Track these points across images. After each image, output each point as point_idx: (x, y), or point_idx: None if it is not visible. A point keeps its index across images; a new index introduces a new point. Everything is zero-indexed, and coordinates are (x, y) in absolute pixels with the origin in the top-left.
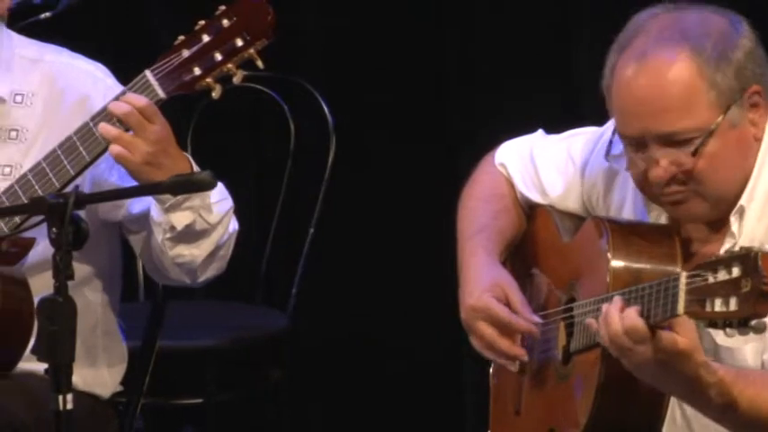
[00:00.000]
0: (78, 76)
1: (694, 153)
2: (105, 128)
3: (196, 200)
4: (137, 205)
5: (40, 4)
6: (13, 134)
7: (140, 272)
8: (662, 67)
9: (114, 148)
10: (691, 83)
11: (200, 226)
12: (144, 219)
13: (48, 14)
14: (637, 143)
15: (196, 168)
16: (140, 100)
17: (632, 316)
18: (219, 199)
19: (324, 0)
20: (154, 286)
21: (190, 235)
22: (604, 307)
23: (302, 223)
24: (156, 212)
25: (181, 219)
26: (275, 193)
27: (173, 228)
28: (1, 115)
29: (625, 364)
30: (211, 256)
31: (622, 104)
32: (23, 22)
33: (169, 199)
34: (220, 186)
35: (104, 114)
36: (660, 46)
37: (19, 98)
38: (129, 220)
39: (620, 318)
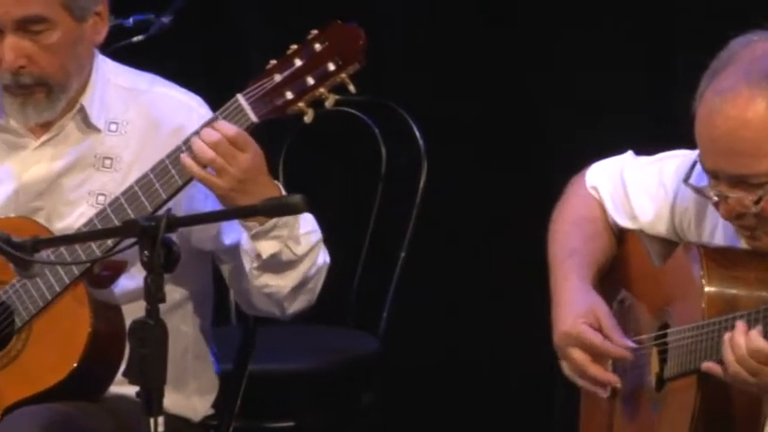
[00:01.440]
0: (173, 107)
1: (757, 201)
2: (199, 146)
3: (284, 230)
4: (229, 236)
5: (133, 27)
6: (108, 162)
7: (232, 296)
8: (740, 108)
9: (199, 172)
10: (766, 127)
11: (287, 257)
12: (235, 250)
13: (140, 38)
14: (712, 175)
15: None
16: (230, 129)
17: (756, 337)
18: (308, 231)
19: (418, 25)
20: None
21: (276, 265)
22: (726, 335)
23: (393, 246)
24: (244, 240)
25: (267, 247)
26: (367, 216)
27: (259, 256)
28: (95, 143)
29: (753, 387)
30: (299, 288)
31: (701, 137)
32: (116, 45)
33: (256, 226)
34: (310, 218)
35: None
36: (742, 83)
37: (114, 127)
38: (221, 251)
39: (746, 341)
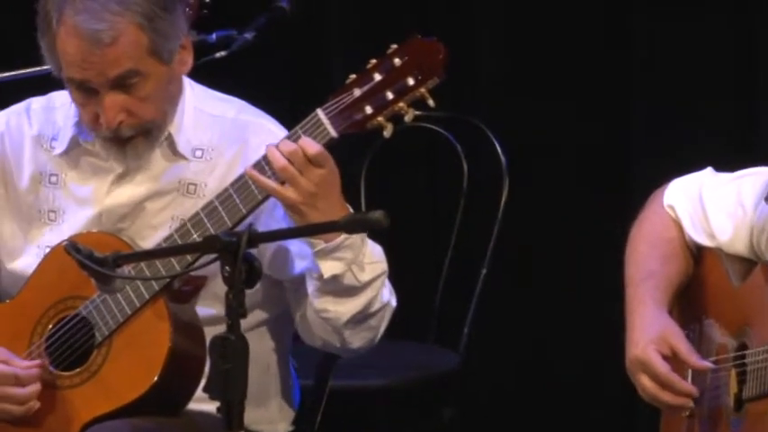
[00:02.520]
0: (259, 134)
1: None
2: (273, 154)
3: (348, 252)
4: (299, 264)
5: (216, 43)
6: (192, 188)
7: None
8: None
9: (268, 182)
10: None
11: (349, 281)
12: (300, 279)
13: (222, 54)
14: None
15: None
16: (313, 147)
17: None
18: (374, 260)
19: (500, 41)
20: None
21: (337, 289)
22: None
23: (475, 263)
24: (311, 260)
25: (329, 268)
26: (448, 232)
27: (321, 276)
28: (181, 170)
29: None
30: (359, 320)
31: None
32: (198, 61)
33: (321, 244)
34: (378, 250)
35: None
36: None
37: (199, 153)
38: (290, 281)
39: None
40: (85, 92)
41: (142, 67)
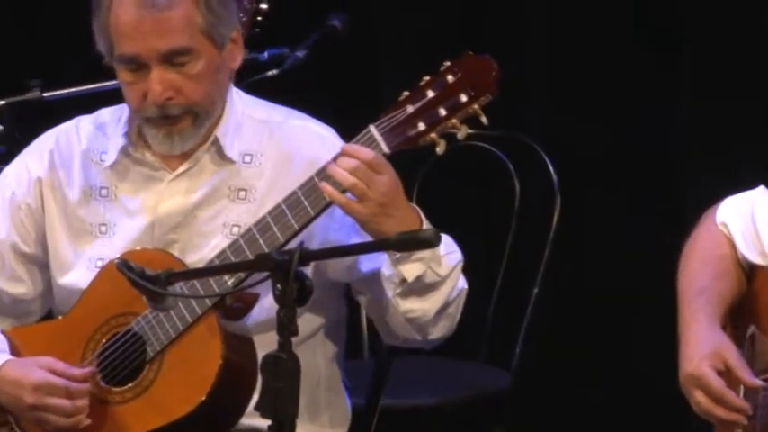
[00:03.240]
0: (307, 138)
1: None
2: (338, 172)
3: (426, 251)
4: (366, 264)
5: (268, 61)
6: (242, 194)
7: (365, 329)
8: None
9: (342, 199)
10: None
11: (431, 278)
12: (373, 278)
13: (274, 72)
14: None
15: (424, 220)
16: (367, 153)
17: None
18: (448, 251)
19: (554, 60)
20: (378, 343)
21: (420, 288)
22: None
23: (527, 282)
24: (386, 266)
25: (412, 270)
26: (500, 250)
27: (403, 280)
28: (230, 175)
29: None
30: (441, 311)
31: None
32: (250, 79)
33: (395, 252)
34: (448, 239)
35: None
36: None
37: (248, 158)
38: (359, 280)
39: None
40: (134, 70)
41: (194, 45)
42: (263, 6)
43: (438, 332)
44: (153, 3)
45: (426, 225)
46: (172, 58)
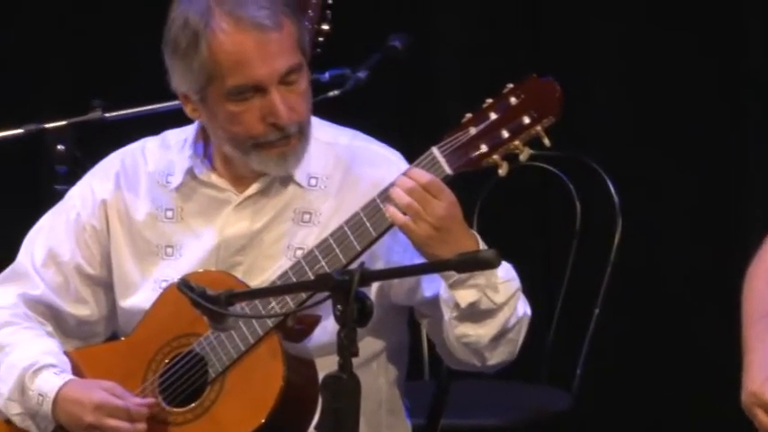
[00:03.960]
0: (372, 161)
1: None
2: (396, 192)
3: (481, 278)
4: (429, 288)
5: (329, 81)
6: (307, 217)
7: (425, 350)
8: None
9: (401, 218)
10: None
11: (486, 305)
12: (435, 302)
13: (336, 92)
14: None
15: (482, 246)
16: (424, 176)
17: None
18: (507, 279)
19: (614, 79)
20: (439, 365)
21: (475, 314)
22: None
23: (588, 303)
24: (443, 289)
25: (465, 296)
26: (561, 271)
27: (457, 305)
28: (296, 198)
29: None
30: (498, 338)
31: None
32: (313, 100)
33: (453, 275)
34: (508, 267)
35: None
36: None
37: (313, 181)
38: (422, 304)
39: None
40: (245, 99)
41: (300, 61)
42: (325, 27)
43: (497, 358)
44: (261, 25)
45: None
46: (287, 77)
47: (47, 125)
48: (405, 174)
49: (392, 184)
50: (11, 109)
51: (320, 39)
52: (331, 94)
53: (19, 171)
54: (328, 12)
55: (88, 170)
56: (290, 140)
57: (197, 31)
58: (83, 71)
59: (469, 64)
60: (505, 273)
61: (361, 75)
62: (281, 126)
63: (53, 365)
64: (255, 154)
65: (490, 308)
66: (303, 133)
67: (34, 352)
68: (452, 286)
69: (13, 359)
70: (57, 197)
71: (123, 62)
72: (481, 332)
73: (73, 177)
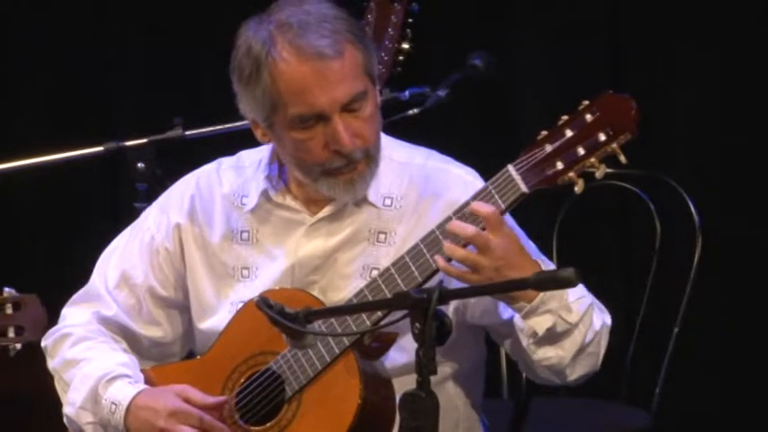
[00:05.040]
0: (448, 181)
1: None
2: (449, 248)
3: (553, 302)
4: (507, 310)
5: (409, 100)
6: (382, 237)
7: (504, 368)
8: None
9: (454, 271)
10: None
11: (562, 327)
12: (511, 323)
13: (415, 111)
14: None
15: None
16: (482, 209)
17: None
18: (578, 297)
19: (693, 96)
20: (517, 383)
21: (552, 337)
22: None
23: (667, 321)
24: (517, 318)
25: (541, 323)
26: (641, 290)
27: (534, 333)
28: (370, 218)
29: None
30: (578, 354)
31: None
32: (392, 118)
33: (525, 306)
34: (578, 285)
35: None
36: None
37: (388, 201)
38: (500, 325)
39: None
40: (308, 127)
41: (365, 87)
42: (405, 46)
43: (579, 372)
44: (321, 54)
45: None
46: (350, 105)
47: (127, 143)
48: (459, 214)
49: (468, 204)
50: (92, 127)
51: (400, 57)
52: (411, 112)
53: (99, 189)
54: (408, 31)
55: (167, 188)
56: (356, 166)
57: (259, 59)
58: (163, 89)
59: (545, 80)
60: (576, 291)
61: (442, 93)
62: (345, 153)
63: (127, 376)
64: (324, 180)
65: (566, 329)
66: (371, 157)
67: (109, 363)
68: (526, 316)
69: (88, 370)
70: (136, 214)
71: (204, 79)
72: (561, 353)
73: (152, 195)
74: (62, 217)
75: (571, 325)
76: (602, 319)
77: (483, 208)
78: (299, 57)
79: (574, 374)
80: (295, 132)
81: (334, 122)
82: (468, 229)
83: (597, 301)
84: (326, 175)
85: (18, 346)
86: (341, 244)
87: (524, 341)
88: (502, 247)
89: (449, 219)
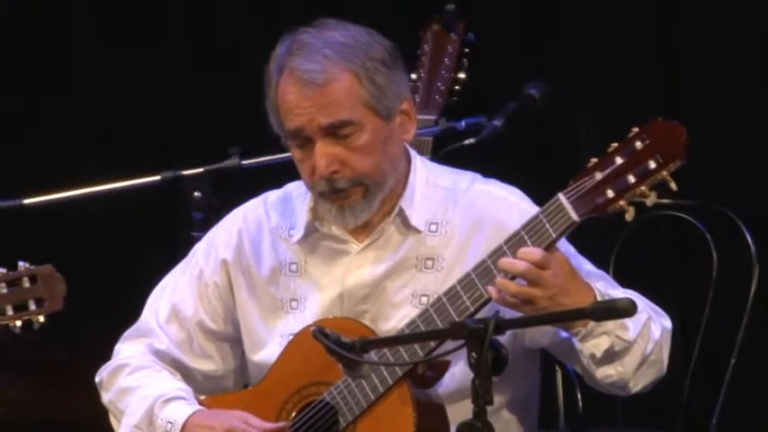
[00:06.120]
0: (493, 204)
1: None
2: (503, 283)
3: (609, 324)
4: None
5: (465, 130)
6: (429, 263)
7: (560, 397)
8: None
9: (509, 301)
10: None
11: (620, 346)
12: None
13: (471, 140)
14: None
15: (598, 294)
16: (531, 255)
17: None
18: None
19: (750, 124)
20: (574, 413)
21: (611, 356)
22: None
23: (724, 352)
24: (575, 340)
25: (599, 345)
26: (697, 320)
27: (593, 355)
28: (417, 245)
29: None
30: (640, 367)
31: None
32: (448, 148)
33: (580, 330)
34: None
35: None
36: None
37: (434, 227)
38: (558, 343)
39: None
40: (302, 146)
41: (356, 118)
42: (461, 75)
43: (643, 382)
44: (312, 79)
45: (600, 297)
46: (335, 131)
47: (184, 172)
48: (530, 222)
49: (519, 234)
50: (149, 156)
51: (456, 87)
52: (467, 142)
53: (156, 218)
54: (465, 60)
55: (224, 217)
56: (347, 195)
57: (271, 78)
58: (220, 118)
59: (595, 109)
60: None
61: (498, 123)
62: (325, 178)
63: (184, 398)
64: (321, 203)
65: (624, 347)
66: (366, 188)
67: (167, 386)
68: (583, 340)
69: (144, 393)
70: (193, 244)
71: (261, 109)
72: (621, 370)
73: (209, 224)
74: (119, 246)
75: (629, 342)
76: (661, 325)
77: (530, 256)
78: (290, 77)
79: (638, 386)
80: (294, 150)
81: (316, 146)
82: (519, 265)
83: (654, 307)
84: (321, 198)
85: (41, 318)
86: (388, 272)
87: (584, 361)
88: (553, 275)
89: (500, 248)
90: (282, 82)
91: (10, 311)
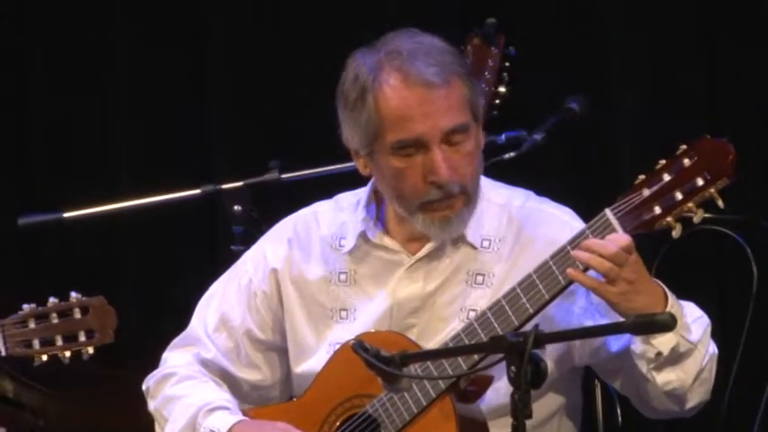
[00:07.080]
0: (545, 221)
1: None
2: (591, 259)
3: None
4: (614, 343)
5: (505, 143)
6: (480, 279)
7: (600, 414)
8: None
9: (593, 282)
10: None
11: (684, 347)
12: (624, 356)
13: (512, 154)
14: None
15: (667, 291)
16: (624, 239)
17: None
18: (696, 317)
19: None
20: (614, 429)
21: (675, 358)
22: None
23: (764, 367)
24: (635, 343)
25: (665, 343)
26: (737, 335)
27: (659, 354)
28: (469, 260)
29: None
30: (697, 377)
31: None
32: (488, 162)
33: None
34: (692, 306)
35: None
36: None
37: (486, 243)
38: (609, 360)
39: None
40: (408, 155)
41: (469, 121)
42: (502, 89)
43: (695, 399)
44: (429, 81)
45: (671, 296)
46: (451, 137)
47: (224, 186)
48: (577, 237)
49: (565, 248)
50: (188, 169)
51: (497, 101)
52: (507, 156)
53: (196, 232)
54: (505, 74)
55: (264, 231)
56: (453, 202)
57: (365, 85)
58: (260, 132)
59: (642, 125)
60: (692, 312)
61: (538, 137)
62: (442, 185)
63: (228, 408)
64: (420, 215)
65: (688, 348)
66: (468, 195)
67: (212, 396)
68: (649, 336)
69: (189, 401)
70: (233, 257)
71: (300, 122)
72: (683, 375)
73: (249, 238)
74: (159, 260)
75: (693, 344)
76: (713, 345)
77: (619, 241)
78: (405, 82)
79: (692, 401)
80: (395, 160)
81: (434, 152)
82: (609, 246)
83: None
84: (423, 210)
85: (90, 350)
86: (439, 285)
87: (644, 368)
88: (635, 262)
89: (546, 263)
90: (390, 90)
91: (60, 342)
